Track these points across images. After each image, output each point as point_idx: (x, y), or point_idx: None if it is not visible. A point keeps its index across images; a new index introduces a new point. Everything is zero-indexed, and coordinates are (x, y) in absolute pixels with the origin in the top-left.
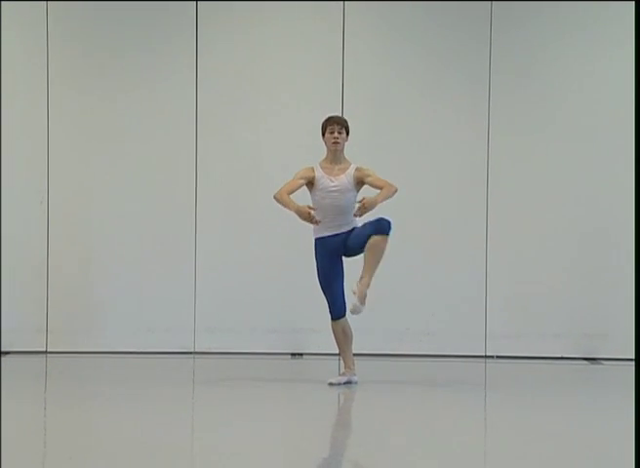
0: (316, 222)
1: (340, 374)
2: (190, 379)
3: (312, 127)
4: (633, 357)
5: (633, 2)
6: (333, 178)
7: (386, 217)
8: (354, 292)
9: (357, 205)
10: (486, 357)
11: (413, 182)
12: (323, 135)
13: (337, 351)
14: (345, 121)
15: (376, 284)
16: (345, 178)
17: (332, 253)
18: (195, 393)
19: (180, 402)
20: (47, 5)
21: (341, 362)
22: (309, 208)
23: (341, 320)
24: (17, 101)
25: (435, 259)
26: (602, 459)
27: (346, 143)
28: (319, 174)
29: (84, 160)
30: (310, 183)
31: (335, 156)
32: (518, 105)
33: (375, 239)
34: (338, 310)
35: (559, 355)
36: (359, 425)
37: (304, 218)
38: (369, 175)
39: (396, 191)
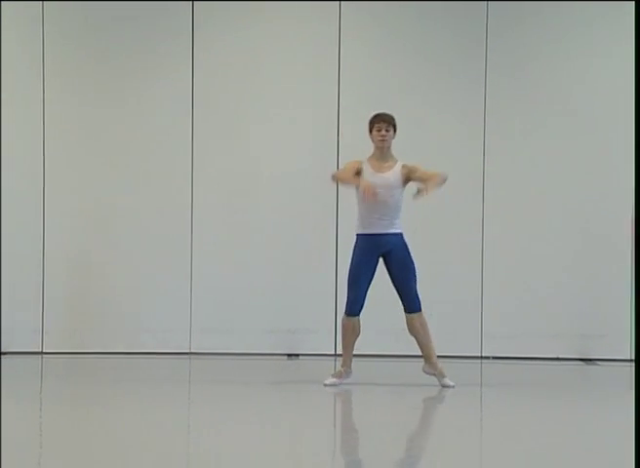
0: (375, 199)
1: (335, 375)
2: (186, 380)
3: (309, 126)
4: (629, 357)
5: (633, 2)
6: (380, 174)
7: (417, 298)
8: (431, 374)
9: (419, 189)
10: (482, 358)
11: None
12: (370, 132)
13: (332, 352)
14: (392, 118)
15: (373, 284)
16: (392, 176)
17: (370, 253)
18: (191, 393)
19: (174, 402)
20: (43, 5)
21: (338, 362)
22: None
23: (355, 318)
24: (12, 100)
25: (431, 260)
26: (598, 459)
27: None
28: (367, 169)
29: (80, 159)
30: (358, 174)
31: (381, 153)
32: (514, 105)
33: (412, 319)
34: (355, 307)
35: (555, 356)
36: (355, 426)
37: (370, 194)
38: (416, 171)
39: (446, 179)
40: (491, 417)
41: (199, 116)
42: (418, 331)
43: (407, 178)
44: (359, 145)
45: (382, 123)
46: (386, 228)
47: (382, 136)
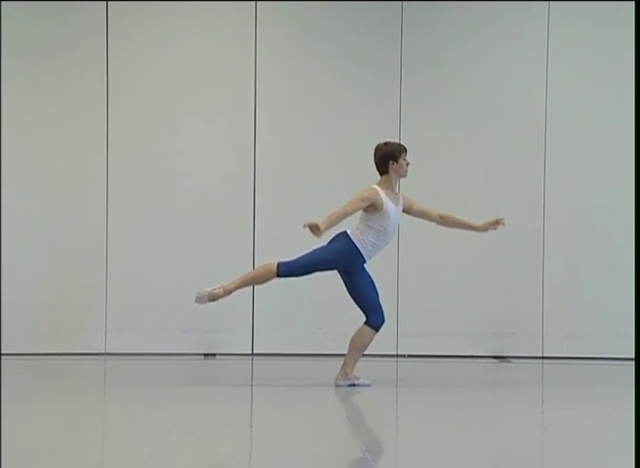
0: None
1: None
2: (101, 381)
3: (225, 125)
4: (540, 355)
5: (633, 2)
6: (395, 204)
7: (383, 316)
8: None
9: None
10: (397, 356)
11: (323, 182)
12: (394, 159)
13: (249, 351)
14: None
15: (293, 284)
16: (401, 206)
17: (360, 267)
18: (105, 395)
19: (87, 404)
20: None
21: (255, 362)
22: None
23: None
24: None
25: None
26: (512, 454)
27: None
28: (385, 198)
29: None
30: (373, 207)
31: (396, 185)
32: (429, 102)
33: (367, 331)
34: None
35: (469, 353)
36: (273, 425)
37: (312, 226)
38: (416, 204)
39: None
40: (407, 415)
41: (114, 116)
42: (363, 346)
43: (407, 209)
44: (275, 145)
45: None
46: (373, 256)
47: (408, 168)
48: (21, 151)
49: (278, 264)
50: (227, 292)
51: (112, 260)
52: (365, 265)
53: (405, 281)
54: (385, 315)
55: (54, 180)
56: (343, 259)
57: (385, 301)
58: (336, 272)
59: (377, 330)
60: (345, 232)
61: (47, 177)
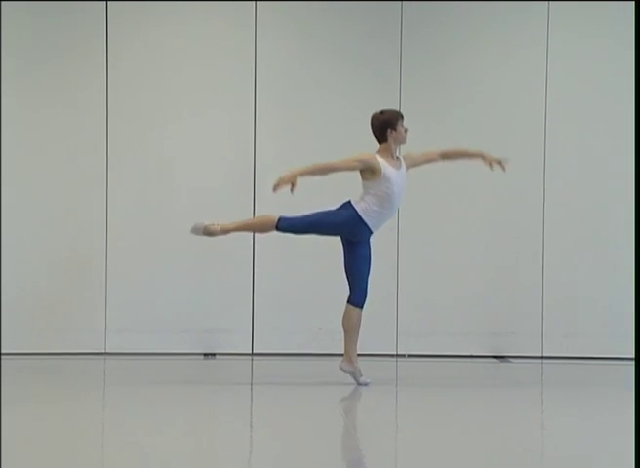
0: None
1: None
2: (101, 381)
3: (225, 125)
4: (540, 354)
5: (633, 2)
6: (396, 169)
7: (366, 294)
8: (349, 372)
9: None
10: (397, 355)
11: (322, 183)
12: (392, 127)
13: (249, 351)
14: None
15: (293, 284)
16: (404, 169)
17: (364, 240)
18: (105, 395)
19: (88, 404)
20: None
21: (255, 361)
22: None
23: (359, 310)
24: None
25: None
26: (514, 454)
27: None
28: (383, 163)
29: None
30: (370, 171)
31: (396, 150)
32: (429, 104)
33: (352, 311)
34: (364, 295)
35: (469, 353)
36: (273, 425)
37: (282, 179)
38: (416, 155)
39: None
40: (406, 415)
41: (113, 117)
42: (353, 325)
43: (409, 166)
44: (275, 144)
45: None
46: (378, 227)
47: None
48: (21, 151)
49: (279, 218)
50: (224, 232)
51: (112, 260)
52: (370, 240)
53: (404, 280)
54: (384, 313)
55: (53, 180)
56: (346, 225)
57: (385, 301)
58: (335, 271)
59: (360, 307)
60: (349, 201)
61: (46, 178)
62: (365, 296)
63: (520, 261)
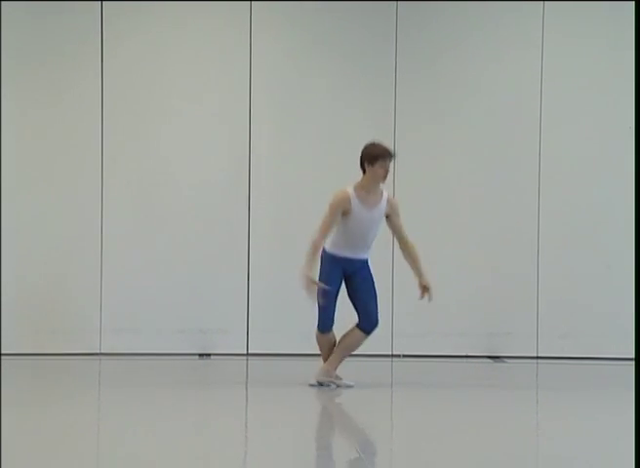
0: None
1: (327, 373)
2: (96, 381)
3: (220, 125)
4: (535, 354)
5: (630, 2)
6: (368, 209)
7: (377, 319)
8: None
9: (422, 290)
10: (392, 356)
11: (318, 182)
12: (371, 163)
13: (244, 351)
14: (394, 155)
15: (288, 285)
16: (378, 211)
17: (338, 272)
18: (100, 395)
19: (83, 405)
20: None
21: (250, 362)
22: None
23: (329, 334)
24: None
25: None
26: (509, 454)
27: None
28: (355, 203)
29: None
30: (344, 212)
31: (375, 187)
32: (424, 102)
33: (356, 333)
34: (328, 324)
35: (464, 353)
36: (266, 425)
37: (306, 287)
38: (397, 216)
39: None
40: (401, 415)
41: (109, 116)
42: (351, 346)
43: (387, 215)
44: (270, 144)
45: (388, 161)
46: (357, 254)
47: (386, 174)
48: (17, 152)
49: (317, 330)
50: (333, 370)
51: (107, 261)
52: (368, 265)
53: (400, 281)
54: (380, 317)
55: (50, 181)
56: (329, 271)
57: (380, 301)
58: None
59: (367, 333)
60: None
61: (43, 178)
62: (375, 321)
63: (515, 262)
